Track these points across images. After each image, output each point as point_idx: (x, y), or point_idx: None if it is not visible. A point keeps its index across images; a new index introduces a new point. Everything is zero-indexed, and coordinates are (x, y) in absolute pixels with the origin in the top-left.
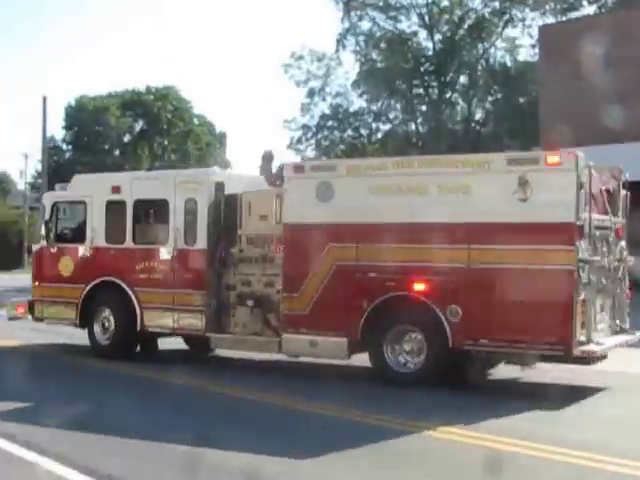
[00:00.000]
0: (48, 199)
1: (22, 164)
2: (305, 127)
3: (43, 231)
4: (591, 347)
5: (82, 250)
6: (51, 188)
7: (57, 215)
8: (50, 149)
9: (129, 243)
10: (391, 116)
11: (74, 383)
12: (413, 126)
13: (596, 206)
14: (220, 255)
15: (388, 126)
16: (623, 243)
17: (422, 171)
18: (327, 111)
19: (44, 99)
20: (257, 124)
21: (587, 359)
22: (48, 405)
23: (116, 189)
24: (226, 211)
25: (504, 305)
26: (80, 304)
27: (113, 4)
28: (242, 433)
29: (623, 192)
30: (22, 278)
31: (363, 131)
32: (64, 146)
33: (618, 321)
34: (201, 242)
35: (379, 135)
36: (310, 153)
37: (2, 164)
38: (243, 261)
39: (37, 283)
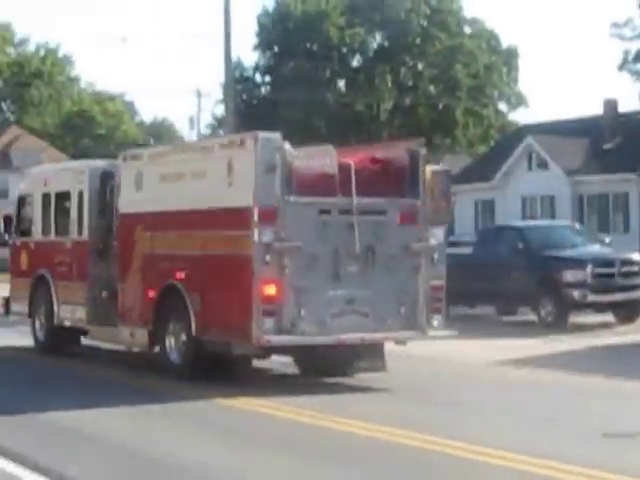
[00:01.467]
0: (18, 192)
1: (193, 107)
2: None
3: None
4: (281, 338)
5: (30, 244)
6: None
7: (20, 209)
8: (237, 82)
9: (51, 236)
10: None
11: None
12: None
13: (310, 188)
14: (99, 247)
15: None
16: (420, 227)
17: (182, 157)
18: None
19: (226, 2)
20: (565, 38)
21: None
22: None
23: (46, 182)
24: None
25: (220, 294)
26: (28, 298)
27: None
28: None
29: (429, 171)
30: None
31: None
32: (258, 77)
33: (396, 311)
34: (84, 233)
35: None
36: None
37: (163, 107)
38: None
39: (11, 278)
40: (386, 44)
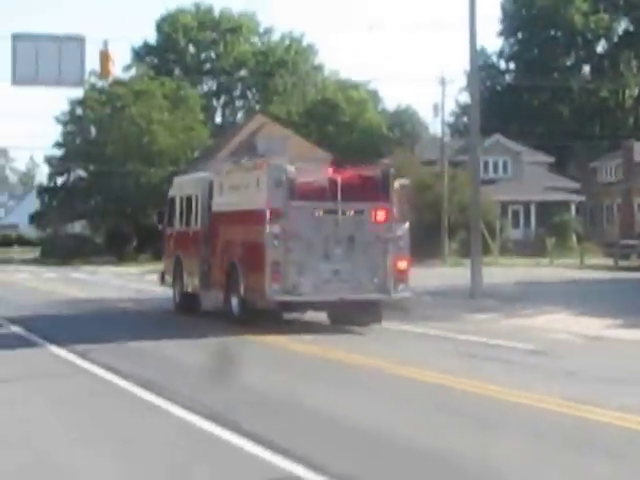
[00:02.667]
0: (168, 195)
1: (436, 95)
2: None
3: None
4: (285, 297)
5: (173, 233)
6: (485, 132)
7: (169, 207)
8: (481, 69)
9: (183, 227)
10: None
11: None
12: None
13: (307, 196)
14: (206, 234)
15: None
16: (389, 223)
17: (238, 174)
18: None
19: None
20: None
21: (285, 304)
22: None
23: (181, 188)
24: None
25: (252, 269)
26: (172, 272)
27: None
28: None
29: (397, 184)
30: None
31: None
32: (502, 64)
33: (370, 280)
34: (199, 225)
35: None
36: None
37: (406, 95)
38: None
39: (163, 257)
40: (631, 29)
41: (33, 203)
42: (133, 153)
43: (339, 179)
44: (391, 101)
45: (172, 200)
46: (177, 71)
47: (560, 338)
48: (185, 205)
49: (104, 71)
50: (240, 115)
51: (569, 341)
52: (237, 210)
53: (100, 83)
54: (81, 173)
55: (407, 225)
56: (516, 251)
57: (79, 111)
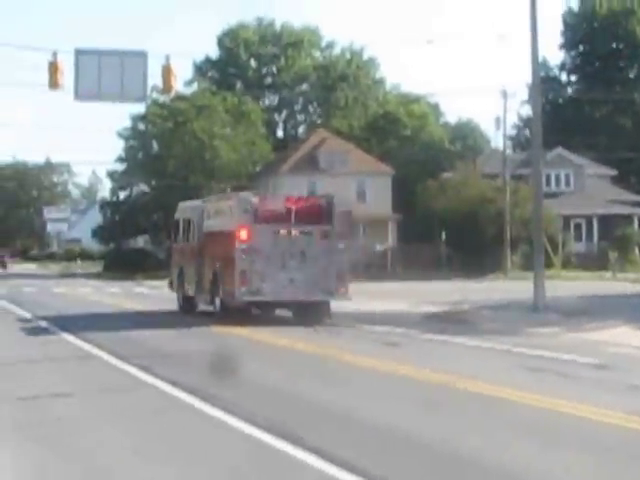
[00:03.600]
0: (175, 217)
1: (498, 108)
2: None
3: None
4: (251, 298)
5: (178, 247)
6: (548, 145)
7: (176, 226)
8: (543, 82)
9: (185, 242)
10: None
11: None
12: None
13: (268, 220)
14: (200, 248)
15: None
16: (333, 240)
17: (220, 202)
18: None
19: (532, 2)
20: None
21: (251, 303)
22: None
23: (183, 212)
24: None
25: (227, 276)
26: (176, 280)
27: None
28: None
29: (339, 211)
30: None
31: None
32: (563, 77)
33: (317, 286)
34: (196, 241)
35: None
36: None
37: (467, 108)
38: None
39: (171, 267)
40: None
41: (96, 217)
42: (195, 168)
43: (293, 207)
44: (453, 114)
45: (177, 221)
46: (239, 85)
47: (624, 352)
48: (186, 226)
49: (166, 86)
50: (302, 129)
51: (633, 355)
52: (218, 231)
53: (162, 98)
54: (143, 187)
55: (345, 242)
56: (579, 264)
57: (141, 126)
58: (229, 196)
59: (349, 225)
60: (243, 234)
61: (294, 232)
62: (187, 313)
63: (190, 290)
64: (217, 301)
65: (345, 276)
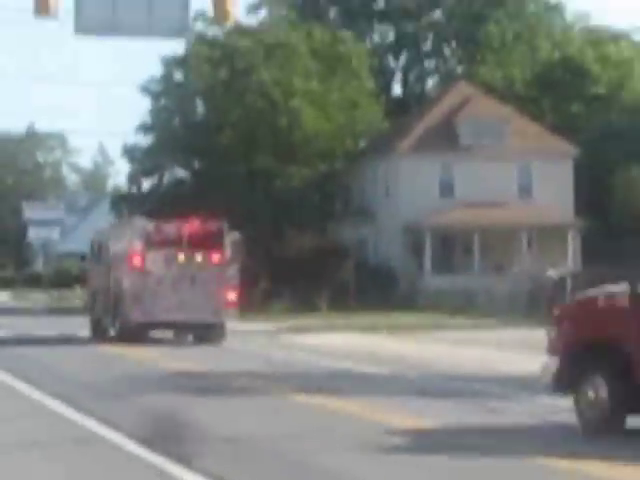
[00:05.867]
0: None
1: None
2: None
3: None
4: (143, 319)
5: None
6: None
7: (92, 249)
8: None
9: None
10: None
11: None
12: None
13: (161, 245)
14: None
15: None
16: (223, 264)
17: (117, 227)
18: None
19: None
20: None
21: (144, 325)
22: None
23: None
24: None
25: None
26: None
27: None
28: None
29: (228, 238)
30: None
31: None
32: None
33: (207, 307)
34: None
35: None
36: None
37: None
38: None
39: None
40: None
41: (104, 219)
42: (263, 142)
43: (186, 232)
44: None
45: (91, 245)
46: (333, 13)
47: None
48: (97, 250)
49: (220, 12)
50: (432, 83)
51: None
52: (119, 255)
53: (213, 31)
54: (180, 173)
55: (236, 266)
56: None
57: (178, 76)
58: (127, 222)
59: (239, 250)
60: (136, 259)
61: (186, 256)
62: (97, 338)
63: (100, 313)
64: (116, 323)
65: (236, 298)
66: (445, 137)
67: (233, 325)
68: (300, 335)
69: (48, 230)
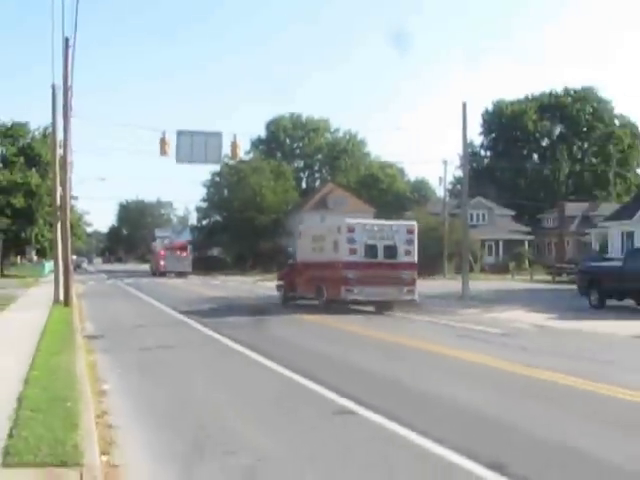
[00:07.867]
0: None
1: (441, 171)
2: None
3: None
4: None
5: (298, 264)
6: (471, 195)
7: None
8: (470, 155)
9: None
10: None
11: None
12: None
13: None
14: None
15: None
16: None
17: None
18: None
19: (464, 106)
20: None
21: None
22: None
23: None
24: None
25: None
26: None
27: None
28: None
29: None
30: (441, 284)
31: None
32: (482, 152)
33: None
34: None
35: None
36: None
37: (422, 171)
38: None
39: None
40: (563, 130)
41: (187, 236)
42: (250, 206)
43: (177, 245)
44: (413, 175)
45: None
46: (279, 155)
47: (519, 326)
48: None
49: (233, 154)
50: (317, 183)
51: (524, 328)
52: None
53: (230, 162)
54: (217, 218)
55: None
56: (490, 271)
57: (217, 179)
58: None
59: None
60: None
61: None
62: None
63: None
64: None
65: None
66: (322, 205)
67: None
68: None
69: (165, 240)
